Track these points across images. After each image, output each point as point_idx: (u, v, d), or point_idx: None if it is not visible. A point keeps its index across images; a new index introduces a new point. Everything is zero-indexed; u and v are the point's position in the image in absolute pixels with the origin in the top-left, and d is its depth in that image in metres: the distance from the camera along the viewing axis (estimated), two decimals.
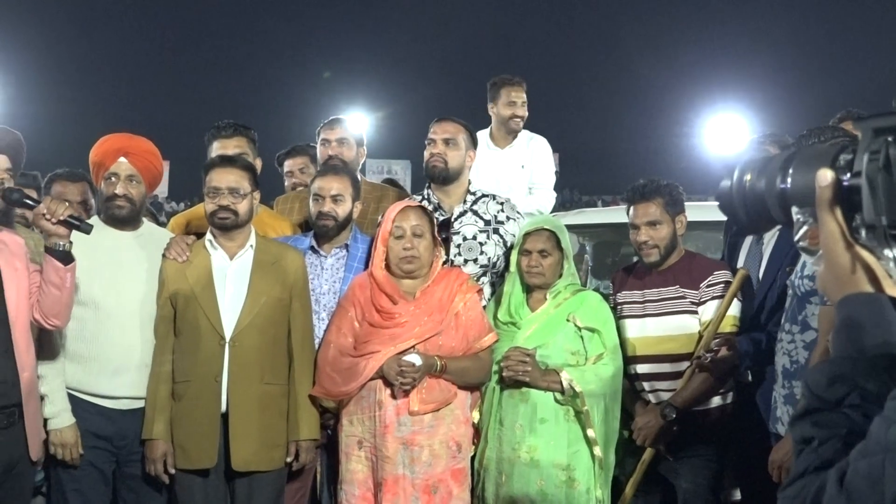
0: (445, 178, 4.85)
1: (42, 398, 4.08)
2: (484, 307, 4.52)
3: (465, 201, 4.88)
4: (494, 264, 4.79)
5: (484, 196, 4.93)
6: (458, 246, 4.78)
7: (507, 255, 4.69)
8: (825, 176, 1.34)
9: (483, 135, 6.14)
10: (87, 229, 3.82)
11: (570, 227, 4.87)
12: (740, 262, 4.56)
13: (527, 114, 6.28)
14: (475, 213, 4.85)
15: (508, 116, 6.22)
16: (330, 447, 4.49)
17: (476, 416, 4.40)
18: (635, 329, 4.49)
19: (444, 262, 4.67)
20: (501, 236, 4.80)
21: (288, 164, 5.87)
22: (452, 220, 4.82)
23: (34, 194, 4.61)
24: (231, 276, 4.28)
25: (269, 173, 5.37)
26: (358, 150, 5.40)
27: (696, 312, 4.40)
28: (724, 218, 1.81)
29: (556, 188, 6.39)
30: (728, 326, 4.34)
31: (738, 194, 1.52)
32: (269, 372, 4.23)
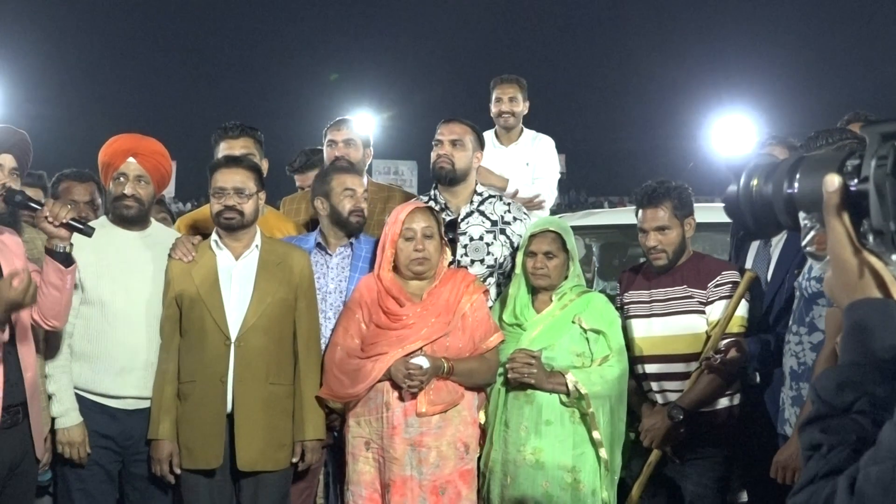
0: (452, 179, 4.86)
1: (49, 397, 4.10)
2: (490, 308, 4.53)
3: (471, 202, 4.88)
4: (501, 265, 4.80)
5: (491, 196, 4.93)
6: (465, 246, 4.78)
7: (513, 255, 4.69)
8: (832, 181, 1.34)
9: (488, 135, 6.15)
10: (88, 232, 3.84)
11: (576, 229, 4.86)
12: (748, 265, 4.56)
13: (519, 109, 6.26)
14: (482, 213, 4.85)
15: (497, 114, 6.26)
16: (336, 448, 4.50)
17: (482, 417, 4.40)
18: (642, 329, 4.49)
19: (451, 263, 4.67)
20: (508, 237, 4.80)
21: (299, 180, 5.89)
22: (459, 220, 4.83)
23: (41, 194, 4.63)
24: (236, 276, 4.28)
25: (276, 174, 5.37)
26: (364, 150, 5.40)
27: (703, 312, 4.39)
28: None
29: (562, 189, 6.41)
30: (735, 327, 4.33)
31: (745, 199, 1.51)
32: (274, 372, 4.23)
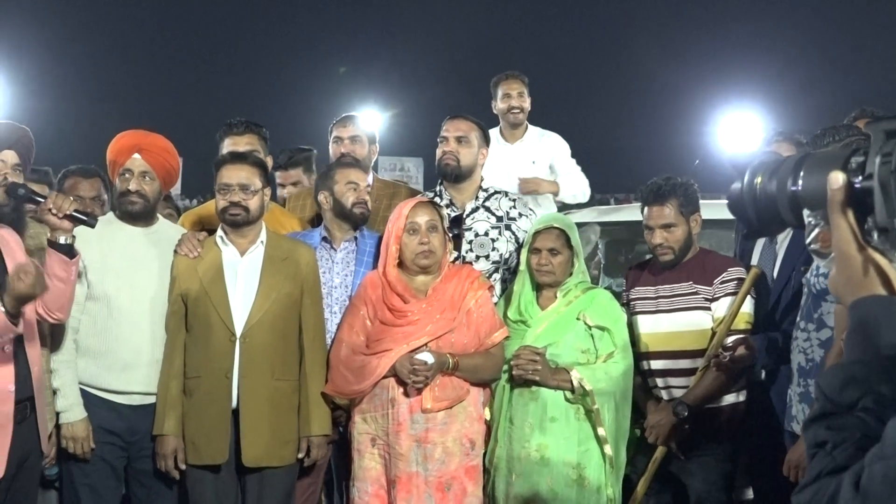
0: (458, 175, 4.86)
1: (54, 392, 4.11)
2: (495, 304, 4.53)
3: (477, 197, 4.89)
4: (506, 261, 4.80)
5: (496, 192, 4.93)
6: (471, 242, 4.78)
7: (519, 251, 4.69)
8: (837, 178, 1.33)
9: (494, 132, 6.15)
10: (91, 223, 3.86)
11: (582, 225, 4.86)
12: (754, 262, 4.55)
13: (526, 105, 6.28)
14: (487, 209, 4.85)
15: (506, 109, 6.26)
16: (342, 444, 4.50)
17: (487, 413, 4.40)
18: (648, 325, 4.49)
19: (456, 259, 4.68)
20: (514, 233, 4.81)
21: (280, 177, 5.79)
22: (464, 216, 4.83)
23: (46, 190, 4.63)
24: (242, 272, 4.29)
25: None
26: (370, 147, 5.41)
27: (709, 309, 4.39)
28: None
29: None
30: (741, 323, 4.33)
31: (749, 197, 1.51)
32: (279, 368, 4.24)
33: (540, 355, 4.27)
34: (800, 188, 1.42)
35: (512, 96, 6.24)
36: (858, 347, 1.33)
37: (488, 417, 4.40)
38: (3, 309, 3.51)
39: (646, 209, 4.47)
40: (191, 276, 4.25)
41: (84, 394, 4.18)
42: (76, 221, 3.81)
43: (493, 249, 4.78)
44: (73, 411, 4.14)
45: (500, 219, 4.83)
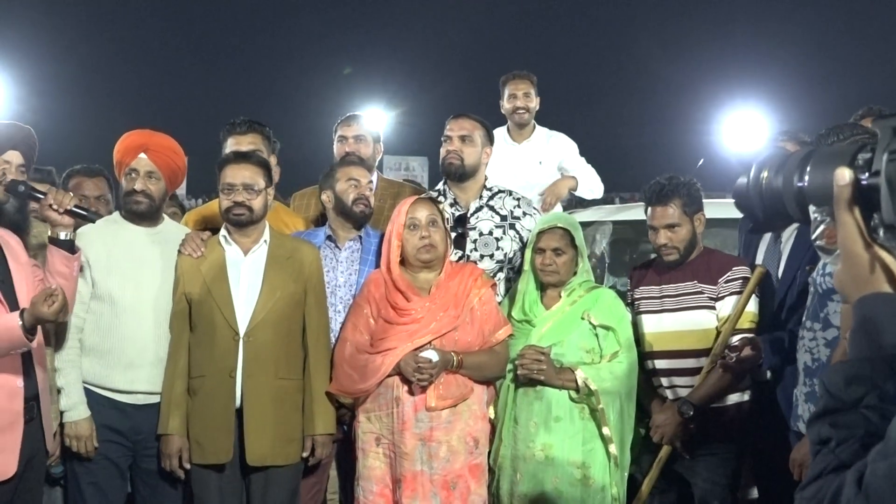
0: (462, 174, 4.87)
1: (59, 391, 4.12)
2: (499, 303, 4.53)
3: (481, 197, 4.89)
4: (510, 260, 4.80)
5: (500, 192, 4.94)
6: (475, 241, 4.79)
7: (523, 250, 4.69)
8: (843, 175, 1.33)
9: (501, 131, 6.15)
10: (92, 218, 3.88)
11: (586, 225, 4.86)
12: (759, 261, 4.54)
13: (533, 105, 6.26)
14: (491, 208, 4.85)
15: (512, 110, 6.24)
16: (346, 443, 4.50)
17: (491, 412, 4.40)
18: (652, 324, 4.48)
19: (461, 258, 4.68)
20: (518, 232, 4.81)
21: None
22: (468, 215, 4.83)
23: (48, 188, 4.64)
24: (245, 271, 4.29)
25: (285, 169, 5.37)
26: (375, 146, 5.41)
27: (713, 308, 4.39)
28: (741, 216, 1.80)
29: None
30: (746, 323, 4.32)
31: (755, 191, 1.50)
32: (283, 367, 4.24)
33: (545, 355, 4.26)
34: (806, 184, 1.41)
35: (518, 96, 6.23)
36: (863, 345, 1.33)
37: (492, 416, 4.40)
38: (20, 323, 3.53)
39: (649, 209, 4.47)
40: (194, 276, 4.26)
41: (88, 393, 4.19)
42: (77, 217, 3.84)
43: (498, 249, 4.78)
44: (76, 410, 4.14)
45: (504, 218, 4.84)
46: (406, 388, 4.14)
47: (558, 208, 6.10)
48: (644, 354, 4.46)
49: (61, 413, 4.12)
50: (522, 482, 4.30)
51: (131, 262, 4.28)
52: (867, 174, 1.31)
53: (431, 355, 4.09)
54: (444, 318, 4.22)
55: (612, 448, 4.27)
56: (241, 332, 4.20)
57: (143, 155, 4.30)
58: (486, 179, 4.97)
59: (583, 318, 4.38)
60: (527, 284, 4.49)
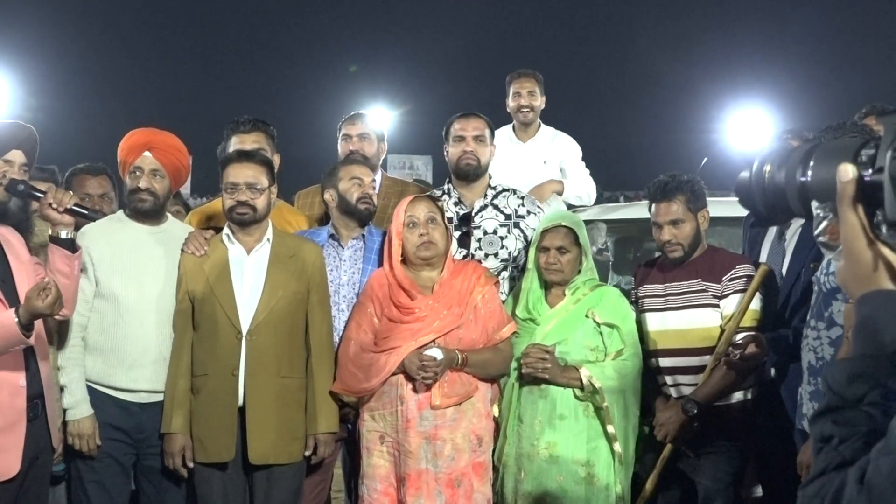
0: (477, 174, 4.87)
1: (62, 389, 4.12)
2: (503, 302, 4.53)
3: (485, 195, 4.89)
4: (515, 258, 4.80)
5: (504, 190, 4.93)
6: (479, 240, 4.78)
7: (528, 249, 4.69)
8: (847, 171, 1.32)
9: (506, 130, 6.15)
10: (93, 217, 3.89)
11: (591, 223, 4.85)
12: (762, 259, 4.53)
13: (538, 103, 6.22)
14: (496, 207, 4.85)
15: (516, 108, 6.22)
16: (351, 442, 4.50)
17: (496, 410, 4.40)
18: (656, 323, 4.47)
19: (466, 257, 4.68)
20: (522, 230, 4.80)
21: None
22: (473, 214, 4.83)
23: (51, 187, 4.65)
24: (248, 270, 4.29)
25: (289, 168, 5.36)
26: (379, 145, 5.41)
27: (717, 306, 4.38)
28: (746, 213, 1.79)
29: None
30: (749, 321, 4.31)
31: (757, 185, 1.50)
32: (286, 365, 4.24)
33: (549, 353, 4.26)
34: (809, 179, 1.40)
35: (522, 95, 6.21)
36: (866, 342, 1.33)
37: (497, 414, 4.40)
38: (17, 320, 3.53)
39: (653, 206, 4.46)
40: (197, 275, 4.26)
41: (92, 391, 4.20)
42: (77, 216, 3.84)
43: (502, 247, 4.78)
44: (79, 408, 4.15)
45: (508, 217, 4.83)
46: (410, 386, 4.14)
47: (561, 206, 6.09)
48: (648, 353, 4.45)
49: (64, 411, 4.13)
50: (527, 480, 4.30)
51: (135, 261, 4.28)
52: (870, 171, 1.30)
53: (436, 353, 4.09)
54: (448, 317, 4.22)
55: (617, 446, 4.27)
56: (244, 330, 4.20)
57: (147, 153, 4.30)
58: (490, 178, 4.97)
59: (587, 317, 4.38)
60: (531, 283, 4.49)
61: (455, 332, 4.21)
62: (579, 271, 4.46)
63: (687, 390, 4.36)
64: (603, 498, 4.25)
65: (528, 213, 4.87)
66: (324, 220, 4.99)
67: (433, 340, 4.17)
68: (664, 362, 4.45)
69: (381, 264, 4.43)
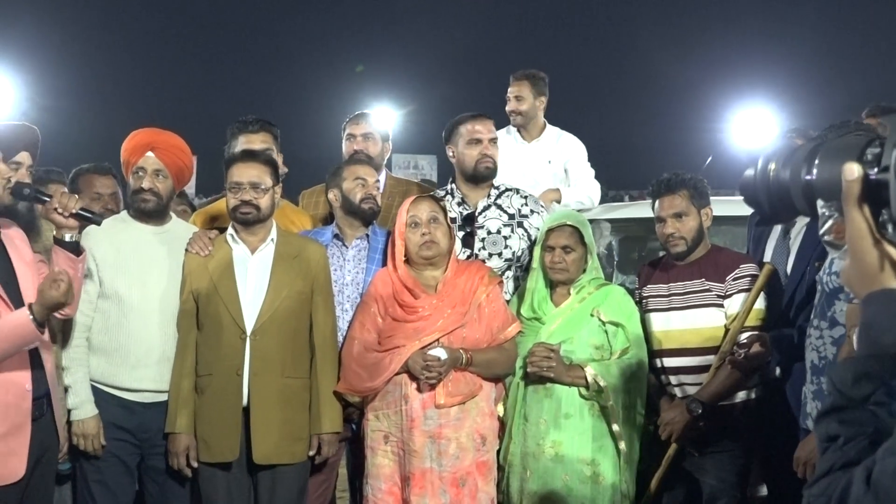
0: (493, 177, 4.88)
1: (66, 389, 4.13)
2: (508, 302, 4.52)
3: (489, 195, 4.88)
4: (519, 258, 4.80)
5: (507, 190, 4.94)
6: (483, 240, 4.78)
7: (531, 248, 4.69)
8: (852, 170, 1.31)
9: (511, 129, 6.14)
10: (97, 221, 3.90)
11: (594, 222, 4.85)
12: (767, 258, 4.53)
13: (525, 108, 6.14)
14: (499, 207, 4.85)
15: (509, 111, 6.20)
16: (355, 442, 4.50)
17: (501, 409, 4.40)
18: (661, 323, 4.47)
19: (469, 257, 4.68)
20: (526, 230, 4.80)
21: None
22: (477, 214, 4.83)
23: (60, 189, 4.65)
24: (252, 269, 4.29)
25: (293, 168, 5.36)
26: (383, 145, 5.42)
27: (721, 306, 4.37)
28: (751, 212, 1.78)
29: None
30: (754, 320, 4.31)
31: (762, 184, 1.49)
32: (290, 365, 4.24)
33: (554, 352, 4.26)
34: (814, 177, 1.40)
35: (510, 99, 6.19)
36: (871, 341, 1.32)
37: (501, 414, 4.39)
38: (31, 317, 3.54)
39: (657, 202, 4.45)
40: (201, 275, 4.26)
41: (96, 391, 4.21)
42: (82, 219, 3.84)
43: (506, 247, 4.78)
44: (83, 408, 4.16)
45: (512, 216, 4.83)
46: (414, 385, 4.14)
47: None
48: (652, 353, 4.45)
49: (69, 411, 4.13)
50: (532, 479, 4.30)
51: (139, 261, 4.28)
52: (876, 169, 1.30)
53: (440, 353, 4.09)
54: (452, 316, 4.22)
55: (622, 445, 4.27)
56: (248, 330, 4.20)
57: (150, 153, 4.31)
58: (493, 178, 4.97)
59: (592, 315, 4.38)
60: (536, 282, 4.49)
61: (459, 331, 4.21)
62: (584, 270, 4.45)
63: (691, 390, 4.36)
64: (608, 497, 4.25)
65: (532, 212, 4.87)
66: (328, 219, 5.00)
67: (437, 340, 4.17)
68: (668, 362, 4.44)
69: (385, 264, 4.43)
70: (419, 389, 4.13)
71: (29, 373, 3.69)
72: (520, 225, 4.82)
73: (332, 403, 4.29)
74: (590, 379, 4.23)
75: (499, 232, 4.80)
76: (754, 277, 4.32)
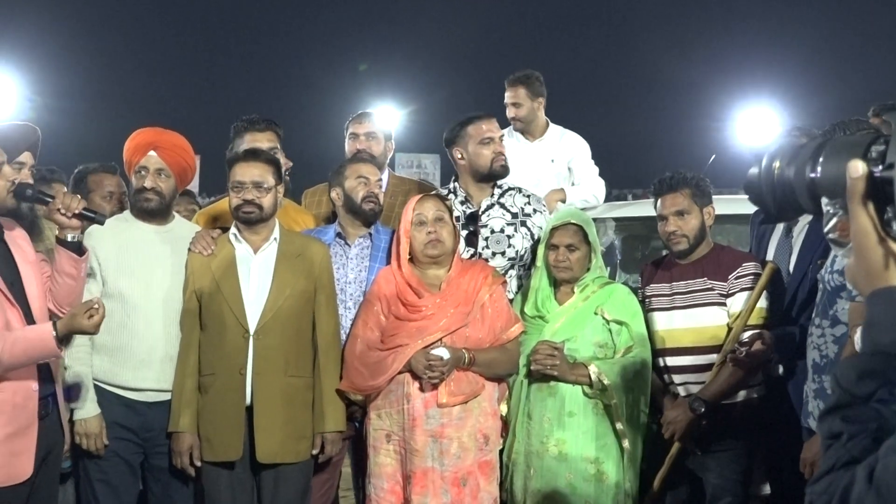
0: (508, 173, 4.88)
1: (69, 388, 4.13)
2: (511, 301, 4.52)
3: (492, 194, 4.88)
4: (522, 257, 4.79)
5: (510, 189, 4.93)
6: (486, 239, 4.78)
7: (534, 247, 4.69)
8: (857, 167, 1.31)
9: (513, 130, 6.14)
10: (100, 221, 3.89)
11: (597, 220, 4.85)
12: (769, 256, 4.52)
13: (524, 113, 6.11)
14: (502, 205, 4.85)
15: (509, 119, 6.19)
16: (358, 441, 4.50)
17: (504, 409, 4.40)
18: (663, 322, 4.47)
19: (473, 255, 4.68)
20: (529, 229, 4.80)
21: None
22: (480, 213, 4.82)
23: (63, 190, 4.65)
24: (255, 269, 4.29)
25: (296, 167, 5.36)
26: (386, 144, 5.42)
27: (724, 305, 4.37)
28: (754, 210, 1.78)
29: None
30: (756, 319, 4.30)
31: (767, 182, 1.49)
32: (293, 364, 4.24)
33: (558, 350, 4.26)
34: (818, 175, 1.39)
35: (509, 106, 6.19)
36: (876, 339, 1.31)
37: (504, 413, 4.39)
38: (54, 333, 3.55)
39: (659, 200, 4.46)
40: (204, 274, 4.27)
41: (99, 390, 4.21)
42: (85, 220, 3.84)
43: (510, 246, 4.78)
44: (86, 408, 4.16)
45: (515, 215, 4.83)
46: (417, 384, 4.14)
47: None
48: (655, 352, 4.45)
49: (71, 411, 4.13)
50: (536, 478, 4.30)
51: (142, 260, 4.29)
52: (881, 167, 1.29)
53: (443, 353, 4.09)
54: (455, 315, 4.22)
55: (626, 443, 4.27)
56: (251, 329, 4.20)
57: (152, 153, 4.32)
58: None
59: (596, 314, 4.38)
60: (539, 280, 4.49)
61: (462, 330, 4.21)
62: (588, 269, 4.45)
63: (694, 389, 4.36)
64: (611, 495, 4.25)
65: (535, 211, 4.87)
66: (331, 218, 5.00)
67: (440, 339, 4.17)
68: (671, 361, 4.44)
69: (388, 263, 4.43)
70: (421, 389, 4.13)
71: (36, 374, 3.69)
72: (523, 224, 4.82)
73: (336, 402, 4.29)
74: (593, 377, 4.23)
75: (502, 231, 4.80)
76: (757, 276, 4.32)
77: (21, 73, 24.51)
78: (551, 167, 6.12)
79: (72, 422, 4.12)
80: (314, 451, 4.28)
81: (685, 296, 4.43)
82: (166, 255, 4.34)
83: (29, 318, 3.68)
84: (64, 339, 3.63)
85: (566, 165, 6.20)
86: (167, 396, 4.25)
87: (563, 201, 5.89)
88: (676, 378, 4.44)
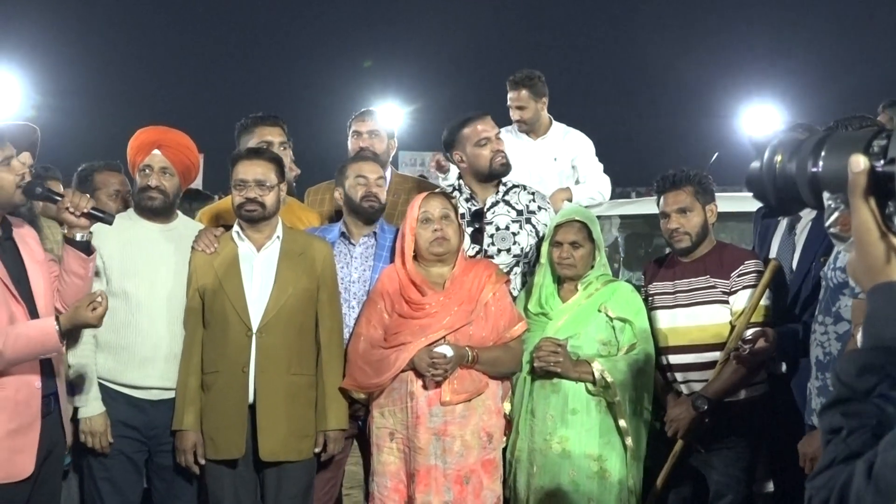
0: (510, 170, 4.88)
1: (73, 387, 4.13)
2: (515, 298, 4.52)
3: (497, 192, 4.88)
4: (526, 254, 4.80)
5: (515, 186, 4.93)
6: (492, 236, 4.78)
7: (538, 245, 4.69)
8: (858, 162, 1.31)
9: (516, 129, 6.13)
10: (109, 220, 3.89)
11: (601, 218, 4.85)
12: (773, 253, 4.52)
13: (529, 115, 6.10)
14: (507, 203, 4.85)
15: (513, 121, 6.19)
16: (361, 439, 4.50)
17: (507, 406, 4.40)
18: (666, 320, 4.47)
19: (478, 253, 4.68)
20: (534, 226, 4.81)
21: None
22: (485, 210, 4.83)
23: (65, 188, 4.66)
24: (258, 267, 4.30)
25: (300, 164, 5.37)
26: (388, 142, 5.42)
27: (727, 302, 4.37)
28: (757, 207, 1.78)
29: None
30: (759, 317, 4.30)
31: (768, 175, 1.49)
32: (296, 362, 4.25)
33: (561, 347, 4.26)
34: (820, 170, 1.39)
35: (512, 108, 6.19)
36: (876, 334, 1.31)
37: (508, 411, 4.39)
38: (57, 328, 3.55)
39: (661, 198, 4.46)
40: (207, 272, 4.27)
41: (103, 388, 4.22)
42: (94, 219, 3.83)
43: (515, 243, 4.78)
44: (90, 406, 4.17)
45: (520, 212, 4.83)
46: (420, 382, 4.14)
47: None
48: (658, 350, 4.45)
49: (75, 409, 4.14)
50: (539, 475, 4.30)
51: (145, 259, 4.30)
52: (882, 161, 1.29)
53: (446, 351, 4.09)
54: (458, 313, 4.22)
55: (629, 441, 4.27)
56: (254, 327, 4.20)
57: (156, 151, 4.33)
58: None
59: (600, 311, 4.38)
60: (543, 277, 4.49)
61: (465, 328, 4.21)
62: (592, 266, 4.45)
63: (697, 387, 4.36)
64: (615, 493, 4.25)
65: (539, 208, 4.87)
66: (335, 216, 5.00)
67: (443, 337, 4.17)
68: (674, 359, 4.44)
69: (392, 261, 4.43)
70: (425, 387, 4.13)
71: (38, 371, 3.69)
72: (528, 221, 4.82)
73: (338, 400, 4.29)
74: (597, 374, 4.23)
75: (507, 228, 4.80)
76: (759, 273, 4.32)
77: (24, 72, 24.51)
78: (554, 165, 6.12)
79: (74, 420, 4.13)
80: (317, 450, 4.28)
81: (688, 293, 4.43)
82: (170, 254, 4.34)
83: (34, 316, 3.68)
84: (68, 335, 3.63)
85: (569, 163, 6.20)
86: (171, 395, 4.26)
87: (570, 200, 5.89)
88: (679, 376, 4.44)
